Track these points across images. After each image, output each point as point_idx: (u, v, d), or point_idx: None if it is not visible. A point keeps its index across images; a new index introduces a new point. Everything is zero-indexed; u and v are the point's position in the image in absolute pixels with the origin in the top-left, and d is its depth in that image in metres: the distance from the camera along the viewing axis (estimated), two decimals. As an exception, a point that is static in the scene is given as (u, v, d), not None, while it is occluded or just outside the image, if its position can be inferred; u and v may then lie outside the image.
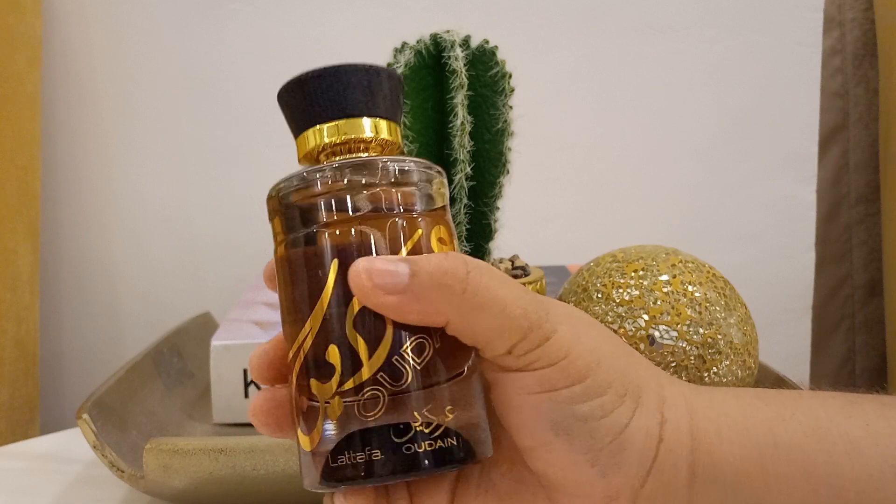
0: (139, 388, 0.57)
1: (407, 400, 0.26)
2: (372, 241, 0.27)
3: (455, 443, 0.27)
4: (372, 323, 0.27)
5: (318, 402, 0.27)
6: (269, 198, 0.29)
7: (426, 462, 0.26)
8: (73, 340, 0.88)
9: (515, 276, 0.51)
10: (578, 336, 0.28)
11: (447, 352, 0.28)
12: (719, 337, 0.46)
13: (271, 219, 0.29)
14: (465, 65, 0.48)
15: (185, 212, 0.86)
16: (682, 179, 0.88)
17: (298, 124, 0.30)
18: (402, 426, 0.26)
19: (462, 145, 0.49)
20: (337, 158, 0.29)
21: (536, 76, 0.79)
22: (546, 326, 0.27)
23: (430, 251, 0.28)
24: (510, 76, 0.50)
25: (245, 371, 0.59)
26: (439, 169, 0.30)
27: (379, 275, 0.26)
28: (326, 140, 0.29)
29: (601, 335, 0.29)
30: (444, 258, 0.27)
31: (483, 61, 0.50)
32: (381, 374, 0.26)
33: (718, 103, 0.87)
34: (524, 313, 0.27)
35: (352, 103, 0.29)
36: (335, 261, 0.27)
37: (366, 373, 0.26)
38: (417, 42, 0.49)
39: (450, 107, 0.48)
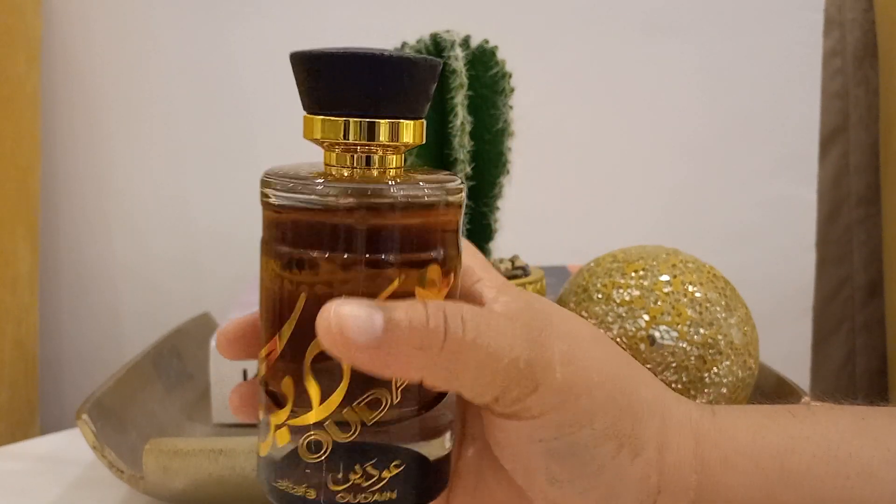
0: (139, 389, 0.56)
1: (351, 452, 0.25)
2: (347, 283, 0.25)
3: (394, 496, 0.26)
4: (329, 369, 0.25)
5: (270, 420, 0.27)
6: (263, 184, 0.27)
7: None
8: (73, 341, 0.87)
9: (515, 277, 0.51)
10: (574, 380, 0.26)
11: (407, 404, 0.26)
12: (720, 337, 0.46)
13: (262, 203, 0.27)
14: (465, 65, 0.48)
15: (185, 212, 0.86)
16: (682, 179, 0.88)
17: (315, 103, 0.26)
18: (340, 476, 0.25)
19: (462, 145, 0.49)
20: (344, 170, 0.26)
21: (536, 76, 0.79)
22: (537, 375, 0.25)
23: (412, 296, 0.25)
24: (510, 76, 0.50)
25: (245, 372, 0.59)
26: (457, 187, 0.27)
27: (350, 327, 0.23)
28: (341, 138, 0.26)
29: (603, 366, 0.27)
30: (422, 310, 0.24)
31: (483, 61, 0.50)
32: (329, 422, 0.25)
33: (718, 103, 0.87)
34: (513, 363, 0.25)
35: (381, 101, 0.26)
36: (303, 296, 0.25)
37: (313, 417, 0.25)
38: (417, 42, 0.49)
39: (450, 107, 0.48)
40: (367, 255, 0.25)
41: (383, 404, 0.25)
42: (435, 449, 0.27)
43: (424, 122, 0.27)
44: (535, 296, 0.29)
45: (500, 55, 0.50)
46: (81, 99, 0.83)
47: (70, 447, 0.58)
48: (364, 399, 0.25)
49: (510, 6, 0.83)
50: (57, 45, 0.83)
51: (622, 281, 0.48)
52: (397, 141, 0.26)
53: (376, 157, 0.27)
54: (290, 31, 0.83)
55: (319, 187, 0.25)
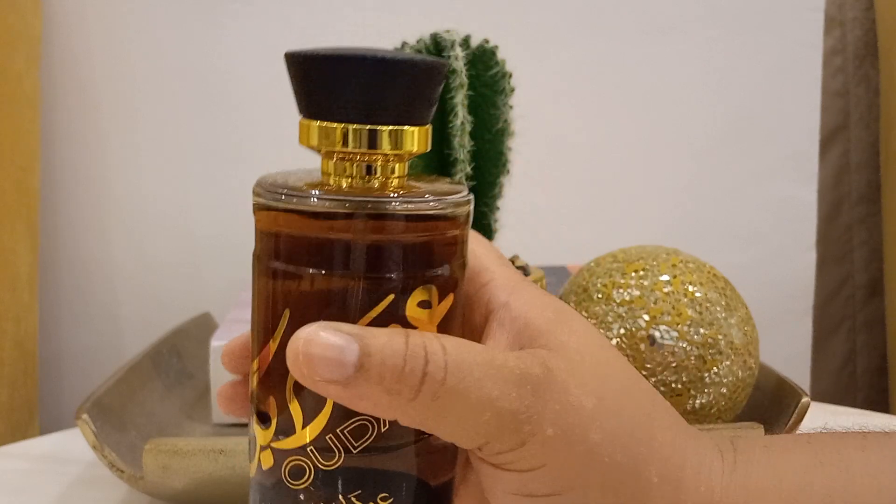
0: (138, 389, 0.56)
1: (335, 480, 0.24)
2: (333, 302, 0.23)
3: None
4: (312, 393, 0.23)
5: (256, 440, 0.26)
6: (255, 193, 0.26)
7: None
8: (73, 341, 0.87)
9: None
10: (570, 440, 0.24)
11: (399, 430, 0.24)
12: (720, 337, 0.46)
13: (254, 212, 0.26)
14: (465, 64, 0.48)
15: (184, 212, 0.86)
16: (682, 179, 0.88)
17: (311, 108, 0.24)
18: None
19: (462, 145, 0.49)
20: (342, 179, 0.24)
21: (536, 76, 0.79)
22: (524, 429, 0.23)
23: (401, 319, 0.24)
24: (510, 76, 0.50)
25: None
26: (464, 199, 0.25)
27: (318, 361, 0.22)
28: (339, 146, 0.24)
29: (608, 422, 0.24)
30: (401, 348, 0.22)
31: (483, 61, 0.50)
32: (312, 448, 0.24)
33: (719, 103, 0.87)
34: (496, 416, 0.23)
35: (382, 107, 0.23)
36: (287, 311, 0.24)
37: (296, 441, 0.24)
38: (417, 42, 0.49)
39: (450, 107, 0.48)
40: (359, 273, 0.23)
41: (370, 431, 0.24)
42: (436, 473, 0.26)
43: (430, 129, 0.25)
44: (551, 301, 0.26)
45: (500, 55, 0.50)
46: (81, 99, 0.83)
47: (70, 447, 0.58)
48: (349, 425, 0.23)
49: (510, 6, 0.83)
50: (57, 45, 0.82)
51: (622, 281, 0.48)
52: (400, 149, 0.24)
53: (377, 167, 0.25)
54: (291, 32, 0.83)
55: (314, 199, 0.23)
